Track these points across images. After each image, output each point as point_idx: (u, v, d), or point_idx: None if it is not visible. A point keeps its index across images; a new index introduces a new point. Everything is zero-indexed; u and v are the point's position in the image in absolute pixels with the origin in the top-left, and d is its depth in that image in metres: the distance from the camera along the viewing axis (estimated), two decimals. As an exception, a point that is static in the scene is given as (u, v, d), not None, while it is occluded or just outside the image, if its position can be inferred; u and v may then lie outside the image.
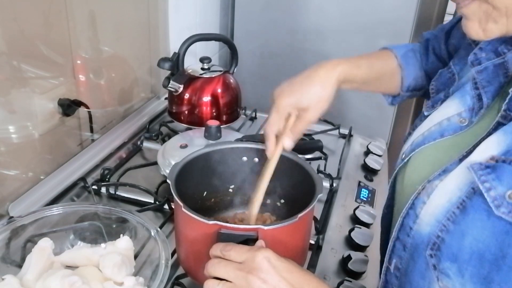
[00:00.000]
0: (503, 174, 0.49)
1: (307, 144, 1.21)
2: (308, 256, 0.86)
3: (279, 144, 0.79)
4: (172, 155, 1.08)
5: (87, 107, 1.17)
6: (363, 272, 0.88)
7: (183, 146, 1.10)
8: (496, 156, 0.51)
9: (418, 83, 0.91)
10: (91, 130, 1.23)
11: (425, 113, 0.71)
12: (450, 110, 0.65)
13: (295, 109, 0.79)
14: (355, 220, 1.02)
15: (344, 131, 1.41)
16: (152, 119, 1.40)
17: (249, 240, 0.66)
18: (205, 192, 0.90)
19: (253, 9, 1.72)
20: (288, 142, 0.79)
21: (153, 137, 1.29)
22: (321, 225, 1.00)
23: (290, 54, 1.70)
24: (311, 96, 0.78)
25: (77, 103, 1.13)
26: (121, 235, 0.81)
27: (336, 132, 1.42)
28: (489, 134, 0.55)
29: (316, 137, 1.31)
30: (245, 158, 0.89)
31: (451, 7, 1.99)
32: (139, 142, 1.27)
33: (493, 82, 0.61)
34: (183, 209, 0.70)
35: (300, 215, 0.70)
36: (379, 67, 0.89)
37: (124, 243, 0.79)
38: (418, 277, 0.58)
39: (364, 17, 1.59)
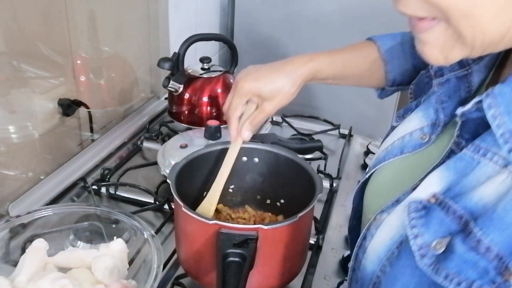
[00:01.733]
0: (432, 220, 0.46)
1: (307, 144, 1.21)
2: (308, 256, 0.86)
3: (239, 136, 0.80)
4: (172, 155, 1.08)
5: (87, 107, 1.17)
6: None
7: (183, 146, 1.10)
8: (437, 194, 0.47)
9: (405, 78, 0.85)
10: (91, 130, 1.24)
11: (394, 123, 0.66)
12: (413, 124, 0.61)
13: (255, 96, 0.78)
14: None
15: (344, 131, 1.41)
16: (152, 119, 1.40)
17: (249, 240, 0.66)
18: (205, 192, 0.89)
19: (253, 9, 1.72)
20: (247, 134, 0.79)
21: (153, 137, 1.29)
22: (321, 225, 1.00)
23: (289, 54, 1.70)
24: (274, 87, 0.77)
25: (77, 103, 1.13)
26: (115, 237, 0.80)
27: (336, 132, 1.42)
28: (443, 163, 0.50)
29: (316, 137, 1.31)
30: (245, 158, 0.90)
31: None
32: (139, 142, 1.28)
33: (453, 97, 0.56)
34: (183, 209, 0.71)
35: (300, 214, 0.70)
36: (357, 63, 0.84)
37: (118, 245, 0.78)
38: None
39: (361, 13, 1.60)
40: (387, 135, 0.67)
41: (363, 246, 0.56)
